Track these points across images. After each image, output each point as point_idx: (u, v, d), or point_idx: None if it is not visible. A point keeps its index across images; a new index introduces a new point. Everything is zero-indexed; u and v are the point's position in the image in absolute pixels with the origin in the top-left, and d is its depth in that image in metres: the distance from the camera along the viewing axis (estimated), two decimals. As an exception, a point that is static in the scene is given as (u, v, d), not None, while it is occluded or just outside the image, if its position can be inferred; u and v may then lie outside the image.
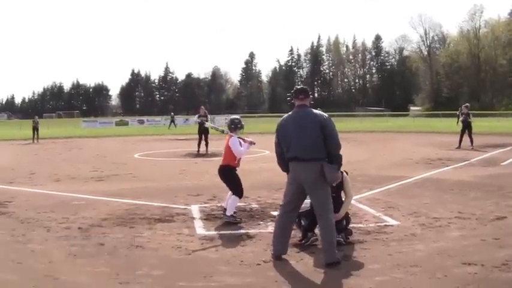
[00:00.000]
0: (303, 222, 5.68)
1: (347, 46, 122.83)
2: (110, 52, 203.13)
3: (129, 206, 8.05)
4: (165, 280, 4.56)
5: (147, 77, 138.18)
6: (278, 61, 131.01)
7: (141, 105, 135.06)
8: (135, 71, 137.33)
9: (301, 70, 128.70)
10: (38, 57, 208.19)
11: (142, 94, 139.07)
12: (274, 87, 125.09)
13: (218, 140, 22.12)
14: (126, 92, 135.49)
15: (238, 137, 7.07)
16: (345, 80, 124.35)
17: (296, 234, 5.83)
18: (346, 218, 5.76)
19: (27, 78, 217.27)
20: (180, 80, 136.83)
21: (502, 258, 4.97)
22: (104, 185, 10.67)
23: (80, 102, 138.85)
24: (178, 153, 18.83)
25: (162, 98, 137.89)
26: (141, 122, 60.01)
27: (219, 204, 7.90)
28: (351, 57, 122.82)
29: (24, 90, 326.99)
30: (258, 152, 16.60)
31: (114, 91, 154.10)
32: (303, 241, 5.66)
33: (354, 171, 10.39)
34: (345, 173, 5.74)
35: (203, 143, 18.44)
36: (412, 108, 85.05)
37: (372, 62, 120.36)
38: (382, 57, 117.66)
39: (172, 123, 48.61)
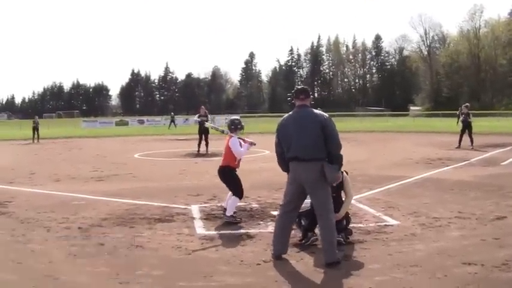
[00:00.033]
0: (303, 222, 5.68)
1: (347, 46, 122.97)
2: (110, 52, 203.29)
3: (129, 206, 8.05)
4: (165, 280, 4.56)
5: (147, 77, 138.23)
6: (278, 61, 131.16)
7: (141, 105, 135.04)
8: (135, 71, 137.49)
9: (301, 70, 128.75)
10: (38, 57, 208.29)
11: (142, 94, 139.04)
12: (274, 87, 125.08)
13: (218, 140, 22.13)
14: (126, 92, 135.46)
15: (239, 138, 7.06)
16: (345, 80, 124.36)
17: (296, 234, 5.84)
18: (346, 217, 5.76)
19: (27, 78, 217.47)
20: (180, 80, 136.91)
21: (502, 258, 4.97)
22: (104, 185, 10.67)
23: (80, 102, 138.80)
24: (178, 153, 18.83)
25: (162, 98, 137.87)
26: (141, 122, 60.02)
27: (219, 204, 7.90)
28: (351, 57, 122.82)
29: (24, 90, 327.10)
30: (258, 152, 16.60)
31: (114, 91, 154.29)
32: (303, 241, 5.66)
33: (354, 171, 10.39)
34: (345, 173, 5.74)
35: (203, 143, 18.45)
36: (412, 108, 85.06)
37: (372, 62, 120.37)
38: (382, 57, 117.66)
39: (173, 123, 48.64)
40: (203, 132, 18.46)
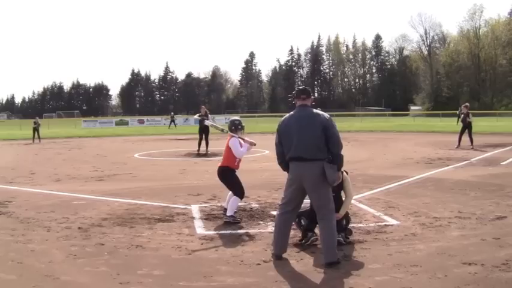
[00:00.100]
0: (303, 222, 5.68)
1: (347, 46, 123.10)
2: (110, 52, 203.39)
3: (129, 206, 8.05)
4: (165, 280, 4.56)
5: (147, 77, 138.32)
6: (278, 61, 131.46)
7: (141, 105, 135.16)
8: (135, 71, 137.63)
9: (301, 70, 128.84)
10: (38, 57, 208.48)
11: (142, 94, 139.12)
12: (274, 87, 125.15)
13: (218, 140, 22.15)
14: (126, 92, 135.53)
15: (239, 137, 7.06)
16: (345, 79, 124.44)
17: (296, 234, 5.84)
18: (346, 217, 5.76)
19: (27, 78, 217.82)
20: (180, 79, 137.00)
21: (502, 258, 4.97)
22: (104, 185, 10.67)
23: (80, 102, 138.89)
24: (178, 153, 18.83)
25: (162, 97, 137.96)
26: (141, 121, 60.02)
27: (219, 204, 7.90)
28: (351, 56, 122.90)
29: (24, 90, 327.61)
30: (258, 152, 16.60)
31: (114, 91, 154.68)
32: (303, 241, 5.66)
33: (354, 171, 10.40)
34: (345, 173, 5.74)
35: (203, 142, 18.45)
36: (412, 107, 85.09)
37: (372, 62, 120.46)
38: (382, 57, 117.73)
39: (173, 123, 48.68)
40: (204, 131, 18.48)
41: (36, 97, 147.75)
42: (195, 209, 7.72)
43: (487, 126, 32.63)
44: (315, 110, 5.16)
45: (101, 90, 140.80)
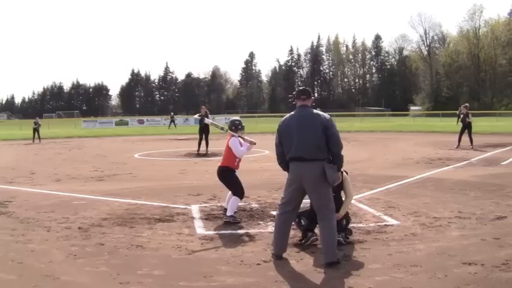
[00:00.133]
0: (303, 222, 5.68)
1: (347, 46, 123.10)
2: (110, 52, 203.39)
3: (129, 206, 8.05)
4: (165, 280, 4.56)
5: (147, 77, 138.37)
6: (278, 61, 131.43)
7: (141, 105, 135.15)
8: (135, 71, 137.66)
9: (301, 70, 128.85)
10: (38, 57, 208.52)
11: (142, 94, 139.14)
12: (274, 87, 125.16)
13: (218, 140, 22.16)
14: (126, 92, 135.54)
15: (239, 136, 7.06)
16: (345, 79, 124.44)
17: (296, 234, 5.84)
18: (346, 217, 5.76)
19: (27, 78, 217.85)
20: (180, 80, 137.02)
21: (502, 258, 4.97)
22: (104, 185, 10.67)
23: (80, 102, 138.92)
24: (178, 153, 18.83)
25: (162, 98, 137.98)
26: (141, 122, 60.02)
27: (219, 204, 7.90)
28: (350, 57, 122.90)
29: (24, 90, 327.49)
30: (258, 152, 16.61)
31: (114, 91, 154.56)
32: (303, 241, 5.66)
33: (354, 171, 10.40)
34: (345, 173, 5.74)
35: (203, 142, 18.46)
36: (412, 108, 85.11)
37: (371, 62, 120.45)
38: (382, 57, 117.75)
39: (172, 123, 48.68)
40: (204, 131, 18.49)
41: (36, 97, 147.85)
42: (195, 209, 7.72)
43: (487, 126, 32.65)
44: (315, 111, 5.17)
45: (100, 91, 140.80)
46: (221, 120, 53.40)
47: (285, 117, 5.31)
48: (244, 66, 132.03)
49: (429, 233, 6.07)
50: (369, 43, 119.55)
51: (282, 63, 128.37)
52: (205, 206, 7.95)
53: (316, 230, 5.58)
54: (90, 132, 39.49)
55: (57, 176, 12.35)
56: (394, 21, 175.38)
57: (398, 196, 8.69)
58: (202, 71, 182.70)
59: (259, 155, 16.40)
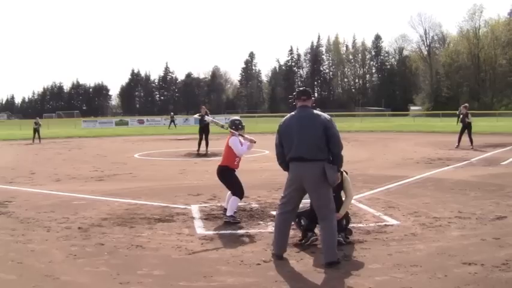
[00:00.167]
0: (302, 222, 5.68)
1: (347, 46, 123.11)
2: (110, 52, 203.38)
3: (129, 206, 8.05)
4: (165, 280, 4.56)
5: (147, 77, 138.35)
6: (278, 61, 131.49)
7: (141, 105, 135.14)
8: (135, 71, 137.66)
9: (301, 70, 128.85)
10: (38, 57, 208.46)
11: (142, 94, 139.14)
12: (274, 87, 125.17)
13: (218, 140, 22.16)
14: (126, 92, 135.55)
15: (239, 135, 7.07)
16: (345, 79, 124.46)
17: (296, 234, 5.84)
18: (346, 217, 5.76)
19: (27, 78, 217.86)
20: (180, 80, 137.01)
21: (502, 258, 4.97)
22: (104, 185, 10.67)
23: (80, 102, 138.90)
24: (178, 153, 18.83)
25: (162, 98, 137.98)
26: (141, 122, 60.02)
27: (219, 204, 7.90)
28: (350, 57, 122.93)
29: (24, 90, 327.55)
30: (258, 152, 16.61)
31: (114, 91, 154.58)
32: (303, 241, 5.66)
33: (354, 171, 10.40)
34: (344, 173, 5.74)
35: (203, 142, 18.46)
36: (412, 108, 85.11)
37: (371, 62, 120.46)
38: (382, 57, 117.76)
39: (172, 123, 48.68)
40: (204, 131, 18.50)
41: (36, 97, 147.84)
42: (195, 209, 7.72)
43: (487, 126, 32.65)
44: (315, 111, 5.18)
45: (100, 91, 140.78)
46: (221, 120, 53.29)
47: (285, 118, 5.32)
48: (244, 66, 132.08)
49: (429, 233, 6.07)
50: (368, 43, 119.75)
51: (282, 63, 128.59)
52: (205, 206, 7.95)
53: (316, 230, 5.59)
54: (90, 132, 39.49)
55: (57, 176, 12.35)
56: (394, 21, 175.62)
57: (398, 196, 8.69)
58: (202, 71, 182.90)
59: (259, 155, 16.40)
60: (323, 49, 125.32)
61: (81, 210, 7.72)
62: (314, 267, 4.89)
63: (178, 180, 11.24)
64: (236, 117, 8.14)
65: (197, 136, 19.08)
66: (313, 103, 5.41)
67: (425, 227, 6.35)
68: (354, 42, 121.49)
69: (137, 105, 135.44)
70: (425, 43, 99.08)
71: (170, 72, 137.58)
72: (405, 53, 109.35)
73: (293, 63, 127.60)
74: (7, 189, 10.25)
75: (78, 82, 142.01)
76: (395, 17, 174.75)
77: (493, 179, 10.58)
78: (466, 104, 20.45)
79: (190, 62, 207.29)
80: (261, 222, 6.85)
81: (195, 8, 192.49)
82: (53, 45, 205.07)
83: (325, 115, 5.15)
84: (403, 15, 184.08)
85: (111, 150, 21.30)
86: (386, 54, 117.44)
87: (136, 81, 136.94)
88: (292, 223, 5.50)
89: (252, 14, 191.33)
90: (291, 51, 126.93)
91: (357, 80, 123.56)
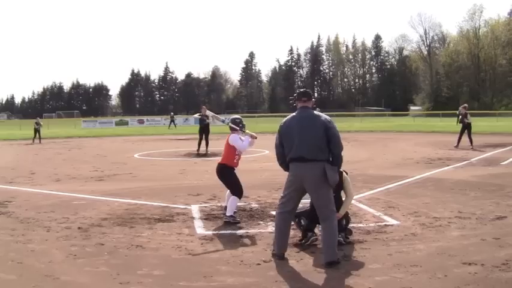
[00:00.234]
0: (302, 222, 5.68)
1: (347, 46, 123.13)
2: (110, 52, 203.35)
3: (129, 206, 8.05)
4: (165, 280, 4.56)
5: (147, 77, 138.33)
6: (278, 61, 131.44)
7: (141, 105, 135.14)
8: (135, 71, 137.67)
9: (301, 70, 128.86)
10: (38, 57, 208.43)
11: (142, 94, 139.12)
12: (274, 87, 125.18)
13: (218, 140, 22.15)
14: (126, 92, 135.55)
15: (240, 130, 7.10)
16: (345, 79, 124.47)
17: (296, 234, 5.84)
18: (346, 217, 5.76)
19: (27, 78, 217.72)
20: (180, 79, 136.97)
21: (502, 258, 4.97)
22: (104, 185, 10.67)
23: (80, 102, 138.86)
24: (178, 153, 18.83)
25: (162, 97, 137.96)
26: (141, 122, 60.02)
27: (219, 204, 7.90)
28: (350, 57, 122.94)
29: (24, 90, 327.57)
30: (258, 152, 16.61)
31: (114, 91, 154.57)
32: (303, 241, 5.66)
33: (353, 171, 10.41)
34: (344, 173, 5.75)
35: (203, 142, 18.47)
36: (412, 108, 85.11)
37: (371, 62, 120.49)
38: (382, 57, 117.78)
39: (172, 123, 48.68)
40: (204, 131, 18.51)
41: (36, 97, 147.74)
42: (195, 209, 7.72)
43: (486, 126, 32.66)
44: (315, 112, 5.20)
45: (100, 91, 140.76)
46: (221, 120, 53.27)
47: (286, 119, 5.33)
48: (244, 66, 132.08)
49: (429, 233, 6.07)
50: (368, 43, 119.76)
51: (282, 63, 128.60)
52: (205, 206, 7.95)
53: (316, 230, 5.59)
54: (90, 132, 39.49)
55: (57, 176, 12.35)
56: (394, 21, 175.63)
57: (398, 196, 8.69)
58: (202, 71, 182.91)
59: (259, 155, 16.40)
60: (323, 49, 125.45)
61: (81, 210, 7.72)
62: (314, 267, 4.89)
63: (178, 180, 11.24)
64: (236, 116, 8.15)
65: (197, 136, 19.09)
66: (314, 104, 5.42)
67: (425, 227, 6.35)
68: (354, 42, 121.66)
69: (137, 105, 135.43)
70: (425, 43, 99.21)
71: (170, 72, 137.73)
72: (405, 53, 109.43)
73: (293, 63, 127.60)
74: (7, 189, 10.25)
75: (78, 82, 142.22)
76: (395, 17, 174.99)
77: (493, 179, 10.58)
78: (465, 105, 20.46)
79: (190, 62, 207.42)
80: (261, 222, 6.85)
81: (195, 8, 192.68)
82: (53, 45, 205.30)
83: (325, 116, 5.17)
84: (403, 15, 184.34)
85: (111, 150, 21.30)
86: (386, 54, 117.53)
87: (136, 81, 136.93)
88: (292, 223, 5.51)
89: (252, 14, 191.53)
90: (291, 51, 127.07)
91: (356, 80, 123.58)
